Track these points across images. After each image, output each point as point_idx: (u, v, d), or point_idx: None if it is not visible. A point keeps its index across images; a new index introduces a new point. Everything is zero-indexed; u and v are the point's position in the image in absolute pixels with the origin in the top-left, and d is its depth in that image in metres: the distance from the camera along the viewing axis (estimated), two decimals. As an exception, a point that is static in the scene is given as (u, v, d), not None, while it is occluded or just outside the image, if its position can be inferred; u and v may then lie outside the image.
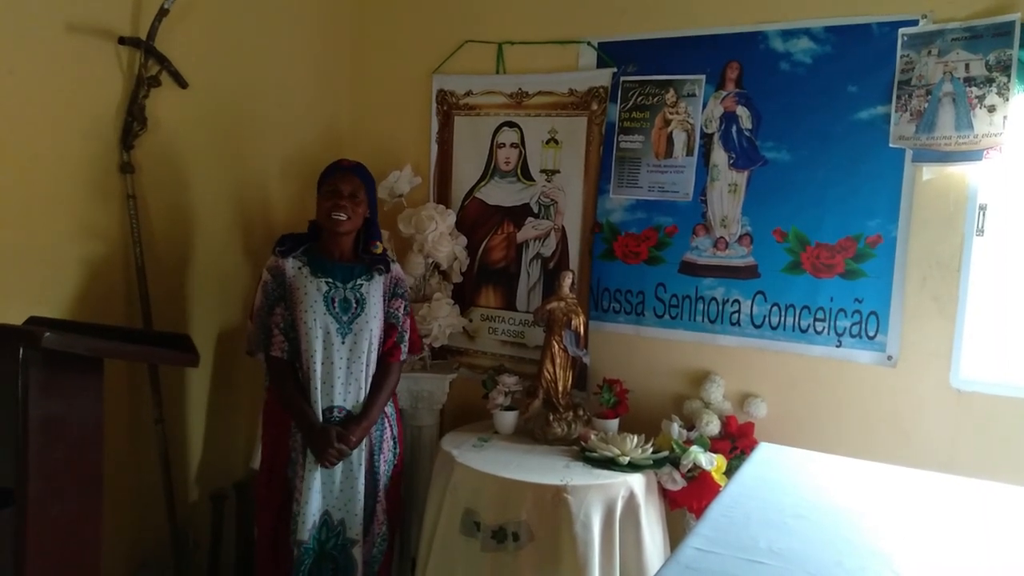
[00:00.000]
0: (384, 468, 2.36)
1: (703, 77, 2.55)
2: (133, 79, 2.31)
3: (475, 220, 2.97)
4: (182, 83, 2.43)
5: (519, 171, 2.89)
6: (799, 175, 2.43)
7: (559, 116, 2.80)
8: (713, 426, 2.45)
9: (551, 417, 2.55)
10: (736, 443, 2.44)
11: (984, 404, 2.22)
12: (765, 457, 2.06)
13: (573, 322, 2.55)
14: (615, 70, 2.69)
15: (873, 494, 1.82)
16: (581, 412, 2.59)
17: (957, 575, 1.45)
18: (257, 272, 2.40)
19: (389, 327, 2.37)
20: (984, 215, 2.22)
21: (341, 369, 2.26)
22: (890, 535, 1.58)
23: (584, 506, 2.16)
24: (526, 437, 2.59)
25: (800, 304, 2.45)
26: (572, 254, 2.81)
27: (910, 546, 1.54)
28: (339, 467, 2.26)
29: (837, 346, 2.41)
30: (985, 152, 2.15)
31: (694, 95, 2.57)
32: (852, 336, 2.38)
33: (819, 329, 2.43)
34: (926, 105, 2.22)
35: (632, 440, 2.39)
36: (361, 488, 2.28)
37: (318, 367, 2.23)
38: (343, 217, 2.24)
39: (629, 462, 2.31)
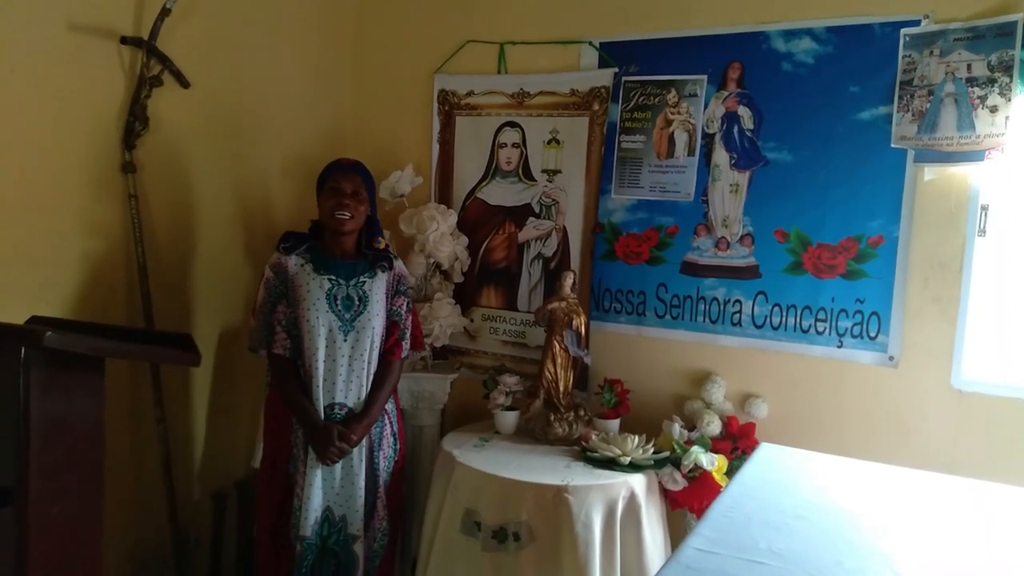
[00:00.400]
0: (384, 464, 2.37)
1: (705, 77, 2.55)
2: (135, 79, 2.31)
3: (476, 220, 2.97)
4: (184, 83, 2.43)
5: (520, 171, 2.89)
6: (801, 175, 2.43)
7: (560, 116, 2.80)
8: (714, 426, 2.45)
9: (552, 417, 2.55)
10: (737, 443, 2.44)
11: (985, 405, 2.22)
12: (766, 457, 2.05)
13: (574, 322, 2.55)
14: (617, 70, 2.69)
15: (874, 495, 1.82)
16: (582, 412, 2.59)
17: (958, 576, 1.46)
18: (259, 271, 2.41)
19: (391, 324, 2.37)
20: (986, 216, 2.22)
21: (343, 367, 2.26)
22: (891, 536, 1.58)
23: (585, 506, 2.16)
24: (527, 437, 2.59)
25: (801, 304, 2.45)
26: (573, 254, 2.81)
27: (911, 547, 1.54)
28: (339, 464, 2.26)
29: (838, 346, 2.40)
30: (987, 152, 2.14)
31: (696, 95, 2.57)
32: (853, 336, 2.38)
33: (820, 329, 2.43)
34: (928, 105, 2.22)
35: (633, 440, 2.38)
36: (361, 484, 2.29)
37: (320, 364, 2.24)
38: (347, 215, 2.25)
39: (630, 462, 2.31)
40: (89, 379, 1.72)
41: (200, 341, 2.19)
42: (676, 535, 2.37)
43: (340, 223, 2.26)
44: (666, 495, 2.39)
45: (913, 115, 2.24)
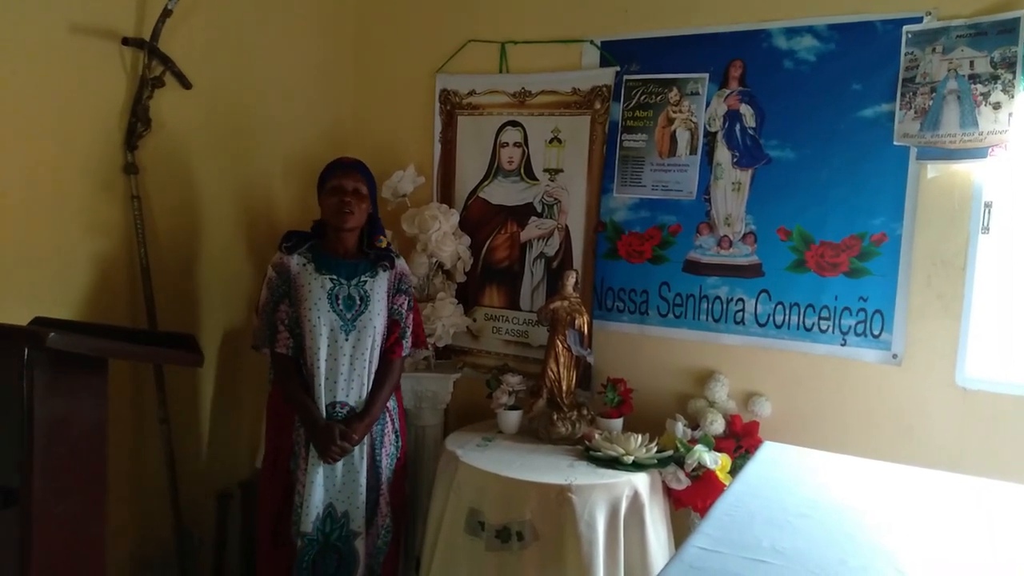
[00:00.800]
0: (386, 462, 2.38)
1: (706, 75, 2.55)
2: (137, 80, 2.32)
3: (479, 220, 2.97)
4: (186, 83, 2.43)
5: (522, 170, 2.89)
6: (803, 173, 2.42)
7: (562, 115, 2.80)
8: (717, 425, 2.45)
9: (555, 416, 2.55)
10: (740, 442, 2.44)
11: (989, 402, 2.21)
12: (769, 456, 2.05)
13: (577, 321, 2.55)
14: (618, 69, 2.68)
15: (878, 493, 1.82)
16: (585, 411, 2.59)
17: (962, 574, 1.45)
18: (261, 271, 2.41)
19: (392, 323, 2.38)
20: (989, 213, 2.21)
21: (344, 365, 2.27)
22: (895, 534, 1.58)
23: (588, 505, 2.16)
24: (530, 436, 2.59)
25: (804, 303, 2.45)
26: (576, 253, 2.81)
27: (915, 545, 1.54)
28: (341, 461, 2.28)
29: (842, 345, 2.40)
30: (990, 149, 2.14)
31: (697, 93, 2.57)
32: (857, 335, 2.38)
33: (824, 328, 2.42)
34: (930, 103, 2.21)
35: (636, 439, 2.38)
36: (363, 481, 2.30)
37: (322, 364, 2.25)
38: (351, 213, 2.26)
39: (633, 461, 2.31)
40: (92, 380, 1.73)
41: (203, 341, 2.20)
42: (680, 534, 2.37)
43: (342, 220, 2.27)
44: (670, 494, 2.39)
45: (916, 112, 2.24)
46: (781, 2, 2.43)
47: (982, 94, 2.14)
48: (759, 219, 2.50)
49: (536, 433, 2.58)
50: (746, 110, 2.50)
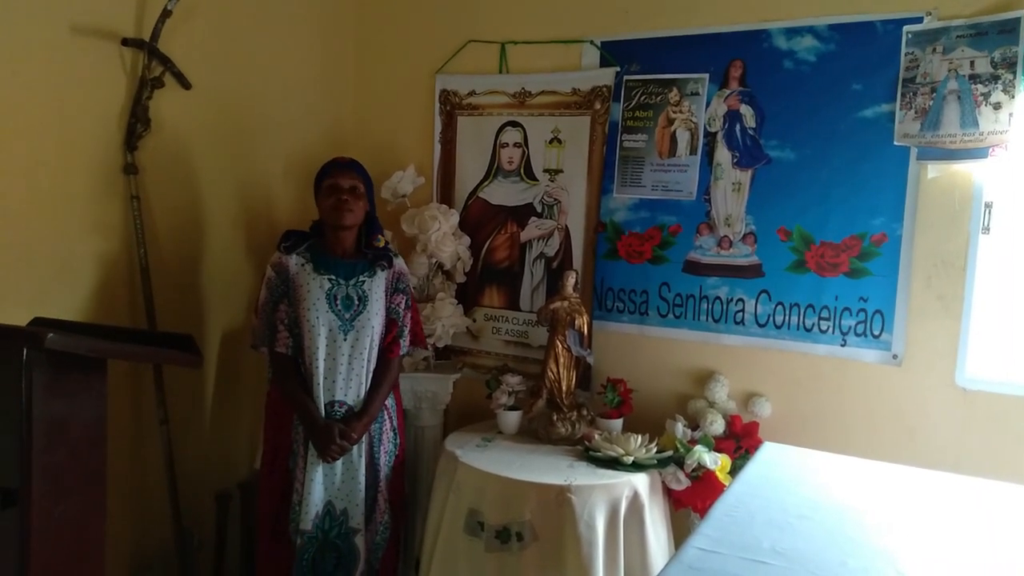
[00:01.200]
0: (385, 459, 2.39)
1: (706, 76, 2.55)
2: (136, 80, 2.32)
3: (478, 220, 2.97)
4: (185, 84, 2.43)
5: (522, 171, 2.89)
6: (803, 173, 2.42)
7: (562, 116, 2.80)
8: (717, 425, 2.45)
9: (555, 417, 2.55)
10: (740, 442, 2.44)
11: (990, 403, 2.21)
12: (769, 456, 2.05)
13: (577, 322, 2.54)
14: (618, 69, 2.68)
15: (878, 493, 1.81)
16: (585, 412, 2.59)
17: (963, 575, 1.45)
18: (261, 272, 2.41)
19: (390, 322, 2.39)
20: (990, 213, 2.21)
21: (343, 365, 2.28)
22: (895, 535, 1.58)
23: (588, 506, 2.16)
24: (530, 437, 2.58)
25: (805, 303, 2.45)
26: (576, 254, 2.81)
27: (915, 546, 1.53)
28: (340, 460, 2.28)
29: (842, 345, 2.40)
30: (990, 150, 2.13)
31: (697, 94, 2.57)
32: (857, 335, 2.37)
33: (824, 328, 2.42)
34: (931, 103, 2.21)
35: (636, 440, 2.38)
36: (362, 479, 2.31)
37: (320, 363, 2.26)
38: (348, 211, 2.27)
39: (633, 462, 2.31)
40: (91, 380, 1.73)
41: (202, 342, 2.20)
42: (679, 534, 2.37)
43: (340, 219, 2.28)
44: (669, 495, 2.38)
45: (916, 112, 2.24)
46: (781, 2, 2.43)
47: (982, 94, 2.14)
48: (759, 219, 2.50)
49: (536, 433, 2.58)
50: (746, 110, 2.50)
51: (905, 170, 2.28)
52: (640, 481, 2.27)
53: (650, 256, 2.67)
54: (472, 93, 2.95)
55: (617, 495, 2.21)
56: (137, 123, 2.31)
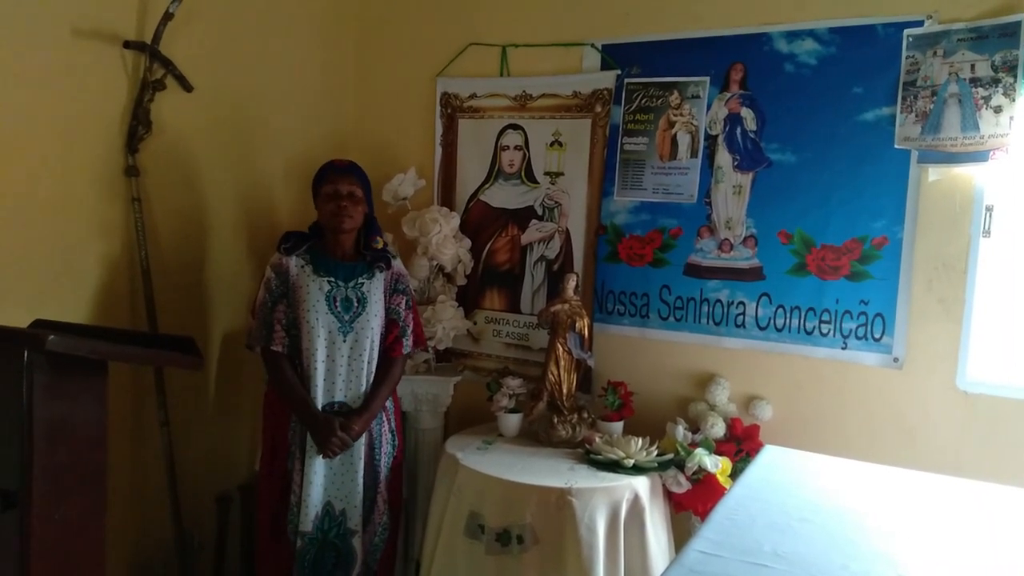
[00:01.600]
0: (384, 460, 2.39)
1: (707, 79, 2.55)
2: (138, 83, 2.32)
3: (479, 223, 2.97)
4: (187, 87, 2.44)
5: (523, 173, 2.89)
6: (804, 177, 2.42)
7: (563, 118, 2.80)
8: (718, 428, 2.45)
9: (555, 419, 2.55)
10: (741, 445, 2.43)
11: (991, 406, 2.21)
12: (770, 460, 2.05)
13: (577, 324, 2.54)
14: (619, 72, 2.68)
15: (879, 497, 1.81)
16: (585, 415, 2.59)
17: (964, 578, 1.45)
18: (262, 274, 2.41)
19: (390, 323, 2.39)
20: (990, 216, 2.21)
21: (342, 367, 2.29)
22: (896, 538, 1.57)
23: (588, 509, 2.15)
24: (530, 440, 2.58)
25: (805, 306, 2.44)
26: (576, 256, 2.81)
27: (916, 549, 1.53)
28: (339, 459, 2.29)
29: (843, 348, 2.40)
30: (991, 153, 2.14)
31: (698, 97, 2.57)
32: (858, 338, 2.37)
33: (825, 331, 2.42)
34: (932, 106, 2.21)
35: (637, 443, 2.38)
36: (361, 480, 2.32)
37: (320, 365, 2.27)
38: (348, 217, 2.27)
39: (634, 465, 2.31)
40: (92, 382, 1.73)
41: (203, 344, 2.20)
42: (680, 538, 2.37)
43: (339, 224, 2.29)
44: (670, 497, 2.38)
45: (917, 116, 2.24)
46: (782, 5, 2.43)
47: (983, 97, 2.14)
48: (760, 222, 2.50)
49: (536, 436, 2.58)
50: (747, 113, 2.50)
51: (906, 173, 2.28)
52: (641, 484, 2.27)
53: (651, 259, 2.67)
54: (473, 96, 2.96)
55: (618, 498, 2.21)
56: (138, 125, 2.31)
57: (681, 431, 2.44)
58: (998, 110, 2.12)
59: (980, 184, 2.20)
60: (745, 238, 2.52)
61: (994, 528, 1.66)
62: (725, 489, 2.22)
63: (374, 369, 2.36)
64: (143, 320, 2.38)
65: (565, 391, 2.57)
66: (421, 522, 2.64)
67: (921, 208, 2.27)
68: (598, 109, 2.73)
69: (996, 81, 2.12)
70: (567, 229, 2.82)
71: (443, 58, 2.98)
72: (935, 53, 2.21)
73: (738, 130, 2.51)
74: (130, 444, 2.40)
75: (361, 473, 2.32)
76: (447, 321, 2.80)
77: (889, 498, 1.81)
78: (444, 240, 2.80)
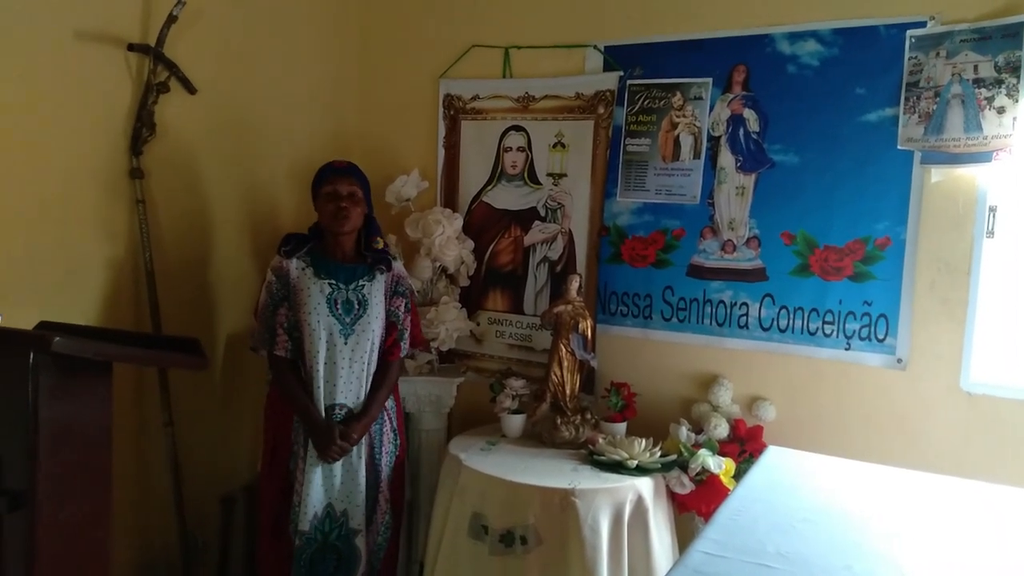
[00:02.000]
0: (385, 460, 2.40)
1: (710, 80, 2.55)
2: (142, 85, 2.33)
3: (482, 224, 2.98)
4: (191, 89, 2.44)
5: (526, 175, 2.89)
6: (807, 177, 2.42)
7: (566, 120, 2.81)
8: (721, 429, 2.45)
9: (559, 420, 2.55)
10: (744, 446, 2.43)
11: (994, 407, 2.21)
12: (773, 460, 2.05)
13: (580, 325, 2.54)
14: (621, 73, 2.69)
15: (882, 498, 1.81)
16: (589, 416, 2.59)
17: (967, 579, 1.45)
18: (265, 276, 2.41)
19: (390, 325, 2.40)
20: (994, 217, 2.21)
21: (344, 369, 2.29)
22: (900, 539, 1.58)
23: (592, 510, 2.15)
24: (534, 441, 2.58)
25: (809, 307, 2.45)
26: (579, 257, 2.81)
27: (920, 550, 1.53)
28: (340, 461, 2.30)
29: (846, 349, 2.39)
30: (994, 154, 2.14)
31: (701, 98, 2.57)
32: (861, 339, 2.37)
33: (828, 332, 2.42)
34: (935, 107, 2.21)
35: (640, 443, 2.38)
36: (362, 481, 2.32)
37: (321, 367, 2.27)
38: (347, 218, 2.28)
39: (637, 466, 2.31)
40: (97, 384, 1.73)
41: (208, 345, 2.20)
42: (683, 539, 2.37)
43: (339, 225, 2.30)
44: (673, 498, 2.38)
45: (920, 117, 2.24)
46: (784, 7, 2.43)
47: (986, 98, 2.14)
48: (763, 223, 2.50)
49: (540, 437, 2.58)
50: (750, 114, 2.50)
51: (909, 174, 2.28)
52: (644, 485, 2.27)
53: (654, 260, 2.68)
54: (476, 97, 2.96)
55: (621, 499, 2.21)
56: (143, 128, 2.32)
57: (684, 432, 2.44)
58: (1001, 111, 2.12)
59: (983, 185, 2.20)
60: (748, 239, 2.52)
61: (998, 529, 1.66)
62: (728, 490, 2.21)
63: (374, 370, 2.36)
64: (147, 322, 2.38)
65: (568, 392, 2.57)
66: (425, 523, 2.64)
67: (924, 209, 2.27)
68: (601, 110, 2.73)
69: (999, 82, 2.12)
70: (570, 230, 2.82)
71: (446, 60, 2.99)
72: (938, 54, 2.21)
73: (741, 131, 2.51)
74: (135, 445, 2.41)
75: (362, 473, 2.32)
76: (450, 322, 2.81)
77: (892, 499, 1.81)
78: (447, 241, 2.81)
